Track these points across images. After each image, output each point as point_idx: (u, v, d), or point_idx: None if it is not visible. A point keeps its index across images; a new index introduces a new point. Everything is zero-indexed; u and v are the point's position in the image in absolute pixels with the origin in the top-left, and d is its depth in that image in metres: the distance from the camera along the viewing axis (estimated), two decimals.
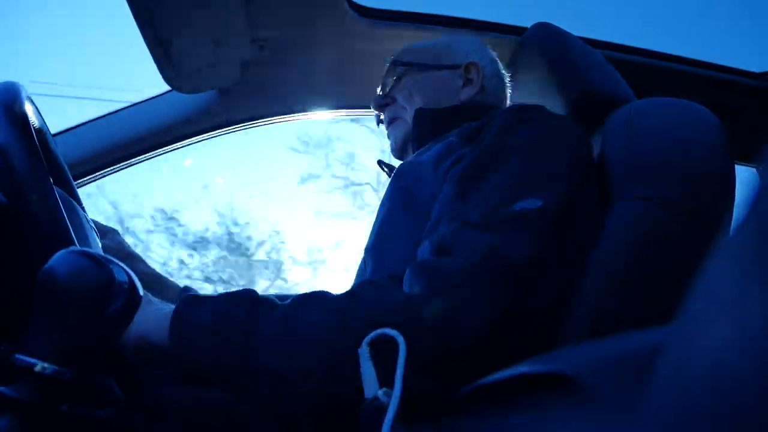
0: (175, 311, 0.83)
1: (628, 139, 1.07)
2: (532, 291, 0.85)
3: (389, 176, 1.29)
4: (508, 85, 1.41)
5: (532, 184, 0.93)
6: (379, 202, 1.20)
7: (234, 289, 0.90)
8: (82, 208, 1.03)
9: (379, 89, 1.42)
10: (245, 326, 0.80)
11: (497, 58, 1.41)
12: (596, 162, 1.10)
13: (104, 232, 1.27)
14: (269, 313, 0.82)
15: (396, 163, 1.38)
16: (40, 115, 0.93)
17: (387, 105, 1.38)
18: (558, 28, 1.34)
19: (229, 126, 1.84)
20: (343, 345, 0.78)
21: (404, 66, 1.35)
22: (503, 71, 1.41)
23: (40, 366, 0.63)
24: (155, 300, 0.87)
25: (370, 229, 1.16)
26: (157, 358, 0.82)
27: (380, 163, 1.45)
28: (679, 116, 1.07)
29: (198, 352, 0.81)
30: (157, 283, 1.29)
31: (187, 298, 0.86)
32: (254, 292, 0.87)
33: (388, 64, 1.40)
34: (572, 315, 0.89)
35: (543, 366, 0.57)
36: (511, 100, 1.41)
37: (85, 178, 1.70)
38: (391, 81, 1.37)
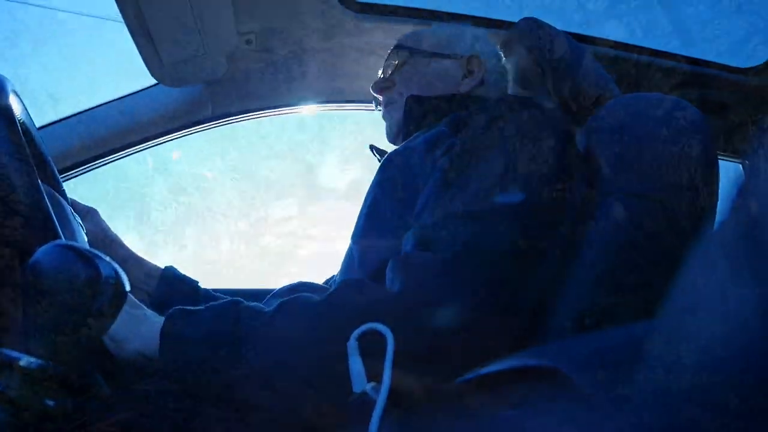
0: (163, 328, 0.82)
1: (613, 135, 1.07)
2: (513, 282, 0.84)
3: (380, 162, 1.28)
4: (509, 80, 1.40)
5: (516, 177, 0.93)
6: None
7: (221, 300, 0.89)
8: (68, 202, 1.02)
9: (380, 71, 1.40)
10: (232, 338, 0.80)
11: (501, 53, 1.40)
12: (583, 157, 1.11)
13: (84, 212, 1.24)
14: (254, 324, 0.82)
15: (390, 149, 1.36)
16: (25, 109, 0.92)
17: (387, 88, 1.35)
18: (545, 23, 1.34)
19: (217, 120, 1.83)
20: (327, 349, 0.78)
21: (407, 50, 1.34)
22: (505, 66, 1.40)
23: (25, 360, 0.62)
24: (149, 313, 0.86)
25: (357, 216, 1.15)
26: (157, 373, 0.82)
27: (372, 147, 1.42)
28: (664, 111, 1.08)
29: (188, 366, 0.81)
30: (136, 265, 1.28)
31: (174, 314, 0.85)
32: (240, 302, 0.86)
33: (393, 47, 1.38)
34: (559, 309, 0.90)
35: (531, 360, 0.58)
36: None
37: (70, 173, 1.68)
38: (393, 65, 1.36)
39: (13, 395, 0.63)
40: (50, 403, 0.65)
